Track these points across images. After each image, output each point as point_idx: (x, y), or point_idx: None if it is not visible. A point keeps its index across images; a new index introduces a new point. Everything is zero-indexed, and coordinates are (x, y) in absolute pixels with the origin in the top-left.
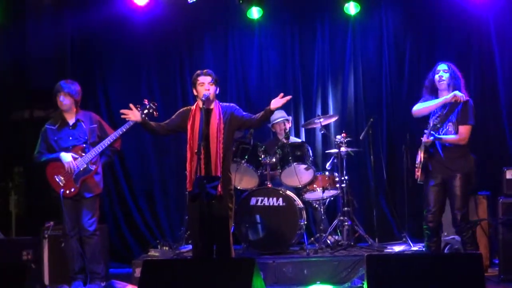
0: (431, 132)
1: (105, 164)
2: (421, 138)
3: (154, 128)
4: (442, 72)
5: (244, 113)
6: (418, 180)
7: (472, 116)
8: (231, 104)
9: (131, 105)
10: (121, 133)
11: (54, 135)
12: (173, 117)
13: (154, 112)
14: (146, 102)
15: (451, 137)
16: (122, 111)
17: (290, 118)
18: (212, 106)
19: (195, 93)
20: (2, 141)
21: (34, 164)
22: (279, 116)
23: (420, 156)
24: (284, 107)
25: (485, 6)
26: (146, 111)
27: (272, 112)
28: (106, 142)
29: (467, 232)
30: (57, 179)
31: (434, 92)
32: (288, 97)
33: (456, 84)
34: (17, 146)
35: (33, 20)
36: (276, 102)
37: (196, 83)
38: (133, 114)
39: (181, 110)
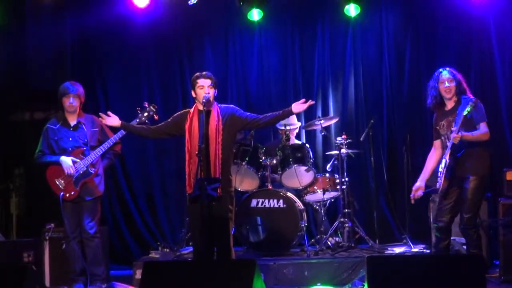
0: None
1: (107, 167)
2: (448, 143)
3: (140, 132)
4: (448, 82)
5: (247, 113)
6: (440, 189)
7: (481, 114)
8: (231, 106)
9: (108, 112)
10: (120, 136)
11: (54, 135)
12: (168, 120)
13: (155, 115)
14: (146, 105)
15: (475, 132)
16: (101, 114)
17: (299, 125)
18: (210, 108)
19: (193, 95)
20: (2, 143)
21: (35, 164)
22: (291, 122)
23: (446, 159)
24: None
25: (485, 6)
26: (146, 114)
27: (292, 114)
28: (106, 145)
29: (472, 235)
30: (57, 183)
31: (443, 103)
32: (312, 102)
33: (461, 89)
34: (17, 148)
35: (33, 21)
36: (300, 107)
37: (196, 86)
38: (110, 120)
39: (178, 113)
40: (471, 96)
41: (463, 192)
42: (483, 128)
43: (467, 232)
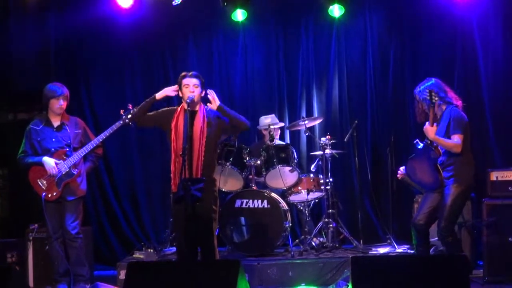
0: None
1: (90, 170)
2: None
3: (142, 108)
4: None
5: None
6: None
7: (457, 126)
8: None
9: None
10: (104, 137)
11: (37, 135)
12: (158, 111)
13: None
14: (130, 107)
15: (447, 140)
16: None
17: (281, 125)
18: (196, 109)
19: (180, 94)
20: None
21: (19, 165)
22: (271, 122)
23: None
24: (269, 109)
25: (469, 8)
26: (130, 116)
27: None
28: (89, 146)
29: (450, 242)
30: (39, 183)
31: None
32: None
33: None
34: (1, 149)
35: (16, 23)
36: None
37: (181, 85)
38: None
39: (167, 108)
40: (455, 103)
41: (443, 198)
42: (455, 139)
43: (444, 239)
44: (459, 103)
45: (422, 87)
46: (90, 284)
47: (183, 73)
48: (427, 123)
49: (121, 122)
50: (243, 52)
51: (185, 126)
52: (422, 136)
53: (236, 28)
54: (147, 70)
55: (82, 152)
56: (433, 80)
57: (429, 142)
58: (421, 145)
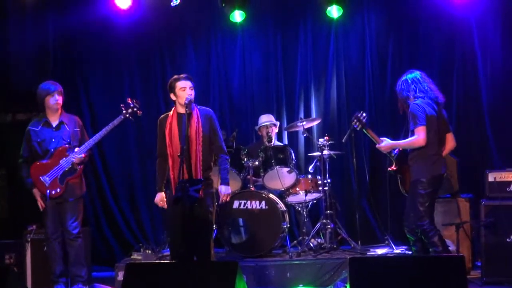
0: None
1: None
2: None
3: (163, 176)
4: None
5: (219, 137)
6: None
7: (414, 120)
8: (208, 108)
9: None
10: (106, 132)
11: (37, 136)
12: (157, 139)
13: (138, 111)
14: (129, 101)
15: (405, 141)
16: None
17: (277, 123)
18: (191, 110)
19: (173, 98)
20: None
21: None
22: (267, 120)
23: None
24: (267, 110)
25: (467, 8)
26: (130, 110)
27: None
28: (91, 142)
29: (431, 236)
30: (42, 180)
31: None
32: None
33: (404, 95)
34: None
35: (15, 23)
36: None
37: (176, 88)
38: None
39: (158, 125)
40: (420, 96)
41: (412, 194)
42: (415, 134)
43: (418, 234)
44: (437, 95)
45: (401, 80)
46: (88, 285)
47: (175, 77)
48: (377, 145)
49: (122, 117)
50: (241, 53)
51: (183, 128)
52: None
53: (235, 29)
54: (146, 71)
55: (84, 148)
56: (415, 73)
57: (392, 155)
58: (393, 168)
